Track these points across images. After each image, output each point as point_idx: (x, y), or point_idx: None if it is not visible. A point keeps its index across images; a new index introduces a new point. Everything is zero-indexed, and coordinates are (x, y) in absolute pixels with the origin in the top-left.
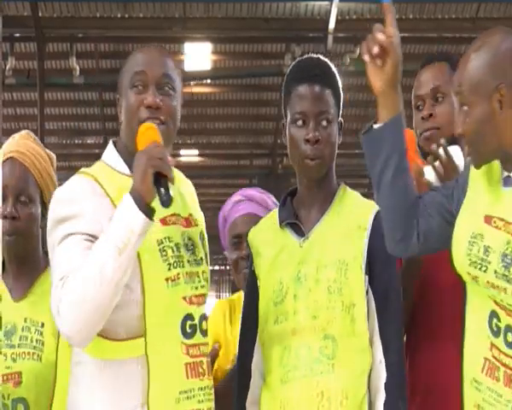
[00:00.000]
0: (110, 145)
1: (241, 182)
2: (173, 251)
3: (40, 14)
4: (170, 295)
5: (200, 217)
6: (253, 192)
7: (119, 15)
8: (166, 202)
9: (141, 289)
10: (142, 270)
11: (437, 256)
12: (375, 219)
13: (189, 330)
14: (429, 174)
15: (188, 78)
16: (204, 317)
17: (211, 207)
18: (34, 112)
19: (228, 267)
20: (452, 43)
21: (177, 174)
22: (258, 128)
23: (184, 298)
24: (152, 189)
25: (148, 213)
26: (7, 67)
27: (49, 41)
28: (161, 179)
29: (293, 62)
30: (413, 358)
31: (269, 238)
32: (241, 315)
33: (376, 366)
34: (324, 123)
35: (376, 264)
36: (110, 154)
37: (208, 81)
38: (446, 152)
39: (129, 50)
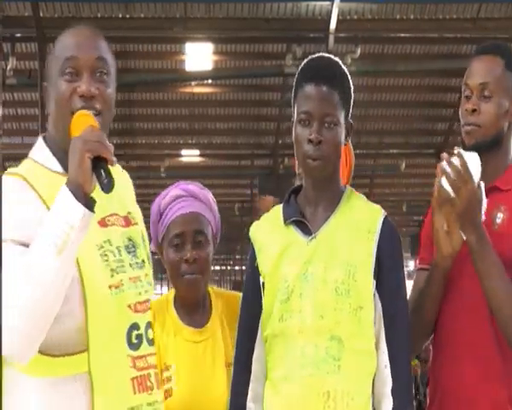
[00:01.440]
0: (39, 141)
1: (242, 182)
2: (114, 255)
3: (41, 15)
4: (115, 304)
5: (138, 214)
6: (195, 188)
7: (120, 16)
8: (107, 186)
9: (81, 299)
10: (83, 277)
11: (460, 267)
12: (383, 224)
13: (135, 340)
14: (445, 183)
15: (189, 78)
16: (149, 325)
17: None
18: (35, 112)
19: (229, 268)
20: (453, 44)
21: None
22: (259, 128)
23: (129, 306)
24: (90, 176)
25: (89, 204)
26: (8, 68)
27: (50, 41)
28: (100, 164)
29: (305, 60)
30: (434, 365)
31: (273, 235)
32: (239, 309)
33: (381, 371)
34: (328, 124)
35: (384, 269)
36: (40, 150)
37: (209, 81)
38: (461, 160)
39: (130, 51)
